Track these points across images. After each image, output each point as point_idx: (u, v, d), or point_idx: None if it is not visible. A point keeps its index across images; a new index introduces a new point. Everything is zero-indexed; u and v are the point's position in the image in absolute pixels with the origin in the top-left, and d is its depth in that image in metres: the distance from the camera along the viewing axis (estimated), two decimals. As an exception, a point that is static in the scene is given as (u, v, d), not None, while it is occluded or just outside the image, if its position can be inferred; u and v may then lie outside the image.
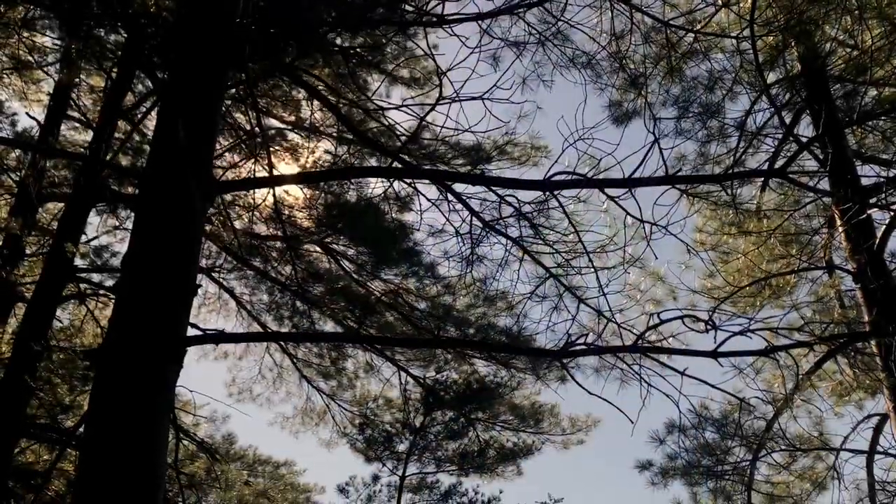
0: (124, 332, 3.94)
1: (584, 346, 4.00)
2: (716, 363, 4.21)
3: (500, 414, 11.96)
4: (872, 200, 6.59)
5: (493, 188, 5.31)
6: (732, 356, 3.88)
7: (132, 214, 7.65)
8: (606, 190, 4.80)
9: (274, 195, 7.78)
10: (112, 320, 4.20)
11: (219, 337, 5.09)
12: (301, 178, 7.19)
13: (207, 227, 9.01)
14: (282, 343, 11.18)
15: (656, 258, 4.87)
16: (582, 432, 11.72)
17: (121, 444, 3.56)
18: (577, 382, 4.11)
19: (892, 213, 5.92)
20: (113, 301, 5.59)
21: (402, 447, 9.77)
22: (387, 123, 7.37)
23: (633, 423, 3.86)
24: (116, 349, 3.87)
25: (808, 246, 7.39)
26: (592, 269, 6.15)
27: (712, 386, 3.86)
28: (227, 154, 7.57)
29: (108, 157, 7.73)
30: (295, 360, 11.63)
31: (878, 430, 6.84)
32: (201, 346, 11.08)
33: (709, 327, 3.70)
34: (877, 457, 6.86)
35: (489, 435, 11.55)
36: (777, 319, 5.30)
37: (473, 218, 6.89)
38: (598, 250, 6.48)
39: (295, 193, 8.56)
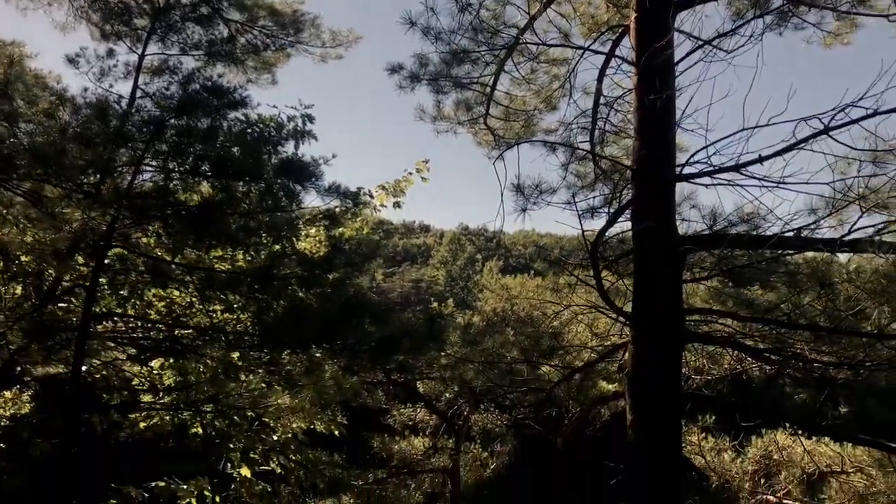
0: None
1: None
2: None
3: (259, 18, 11.13)
4: None
5: None
6: None
7: None
8: None
9: None
10: None
11: None
12: None
13: None
14: None
15: None
16: (342, 47, 11.41)
17: None
18: None
19: None
20: None
21: (142, 23, 8.63)
22: None
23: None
24: None
25: None
26: None
27: None
28: None
29: None
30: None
31: (616, 42, 7.10)
32: None
33: None
34: (609, 70, 7.25)
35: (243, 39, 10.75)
36: None
37: None
38: None
39: None
